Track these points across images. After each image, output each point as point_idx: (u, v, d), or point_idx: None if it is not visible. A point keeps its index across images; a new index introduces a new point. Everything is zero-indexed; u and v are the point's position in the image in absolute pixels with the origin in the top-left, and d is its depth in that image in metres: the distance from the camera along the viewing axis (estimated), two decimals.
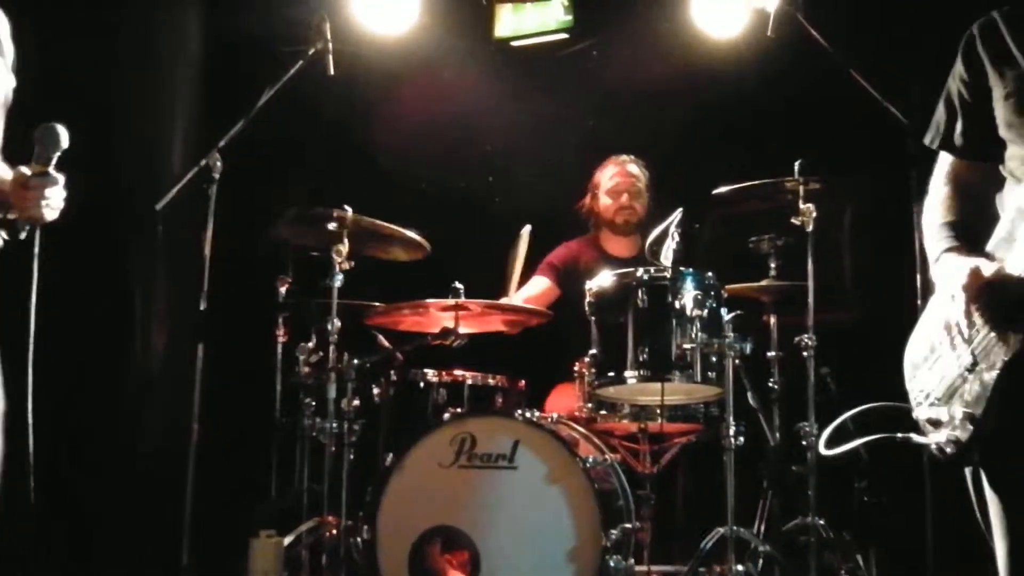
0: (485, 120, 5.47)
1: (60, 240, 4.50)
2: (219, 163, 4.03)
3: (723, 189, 4.22)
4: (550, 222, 5.24)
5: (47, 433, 4.40)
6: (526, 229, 4.74)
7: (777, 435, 4.16)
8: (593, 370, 4.01)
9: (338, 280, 4.10)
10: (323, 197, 4.40)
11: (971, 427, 2.38)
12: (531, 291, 5.07)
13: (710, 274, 3.99)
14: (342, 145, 5.43)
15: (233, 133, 4.14)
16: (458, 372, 4.30)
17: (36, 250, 2.78)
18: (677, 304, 3.90)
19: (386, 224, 4.20)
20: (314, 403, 4.31)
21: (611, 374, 3.94)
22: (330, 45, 4.33)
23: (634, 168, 5.15)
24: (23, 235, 2.76)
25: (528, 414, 3.93)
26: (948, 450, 2.44)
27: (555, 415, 4.15)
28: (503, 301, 4.59)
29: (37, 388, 4.29)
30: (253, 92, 4.28)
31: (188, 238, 4.21)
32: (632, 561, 3.86)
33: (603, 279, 4.05)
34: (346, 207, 4.12)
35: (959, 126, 2.63)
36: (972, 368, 2.41)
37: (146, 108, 5.04)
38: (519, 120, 5.45)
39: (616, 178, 5.13)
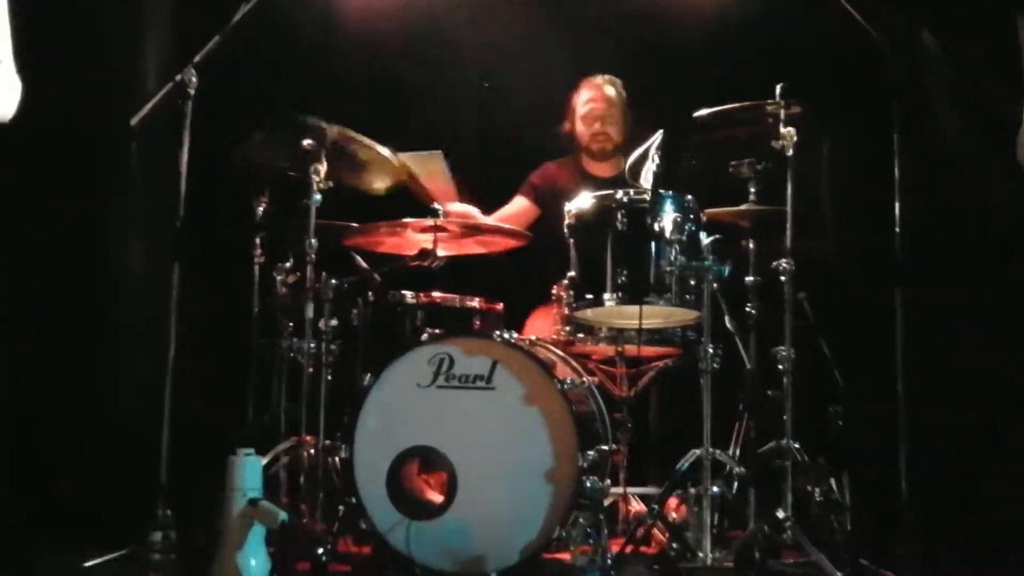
0: (467, 39, 5.40)
1: (33, 157, 4.47)
2: (194, 79, 3.94)
3: (704, 112, 4.19)
4: (533, 143, 5.21)
5: (19, 352, 4.41)
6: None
7: (754, 359, 4.18)
8: (571, 292, 4.01)
9: (316, 200, 4.07)
10: (301, 116, 4.35)
11: None
12: (508, 211, 5.05)
13: (689, 197, 3.97)
14: (320, 63, 5.36)
15: (208, 48, 4.06)
16: (436, 294, 4.29)
17: None
18: (656, 227, 3.88)
19: (364, 139, 4.15)
20: (292, 323, 4.30)
21: (589, 297, 3.93)
22: None
23: (610, 90, 5.09)
24: None
25: (506, 335, 3.93)
26: None
27: (533, 337, 4.15)
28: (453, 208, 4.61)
29: (6, 308, 4.28)
30: (230, 7, 4.20)
31: (164, 156, 4.15)
32: (608, 482, 3.90)
33: (582, 201, 4.02)
34: (323, 123, 4.07)
35: None
36: None
37: (120, 23, 4.94)
38: (501, 39, 5.38)
39: (590, 104, 5.09)
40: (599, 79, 5.12)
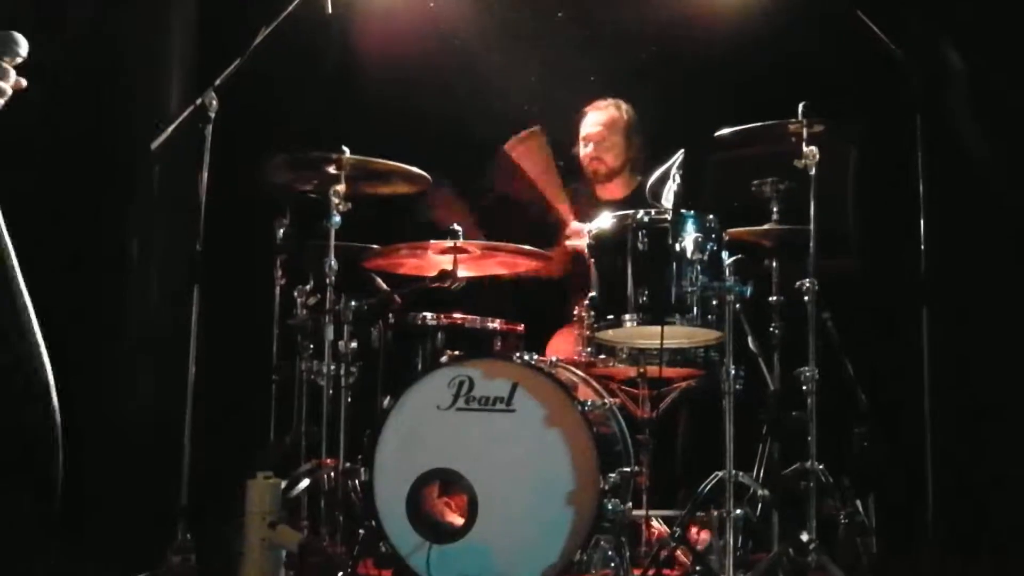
0: (485, 61, 5.41)
1: (55, 179, 4.50)
2: (215, 102, 3.97)
3: (726, 131, 4.17)
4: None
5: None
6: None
7: (777, 380, 4.14)
8: (592, 313, 3.98)
9: (336, 222, 4.07)
10: (321, 137, 4.36)
11: None
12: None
13: (711, 217, 3.94)
14: (340, 85, 5.37)
15: (229, 72, 4.08)
16: (456, 316, 4.28)
17: None
18: (678, 247, 3.85)
19: (383, 161, 4.15)
20: (312, 345, 4.29)
21: (610, 317, 3.90)
22: None
23: (606, 114, 5.05)
24: None
25: (527, 357, 3.91)
26: None
27: (554, 358, 4.12)
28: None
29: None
30: (250, 31, 4.22)
31: (184, 179, 4.16)
32: (630, 505, 3.87)
33: (603, 221, 4.00)
34: (344, 148, 4.08)
35: None
36: None
37: (142, 47, 4.98)
38: (520, 61, 5.39)
39: (588, 127, 5.07)
40: (602, 103, 5.09)
